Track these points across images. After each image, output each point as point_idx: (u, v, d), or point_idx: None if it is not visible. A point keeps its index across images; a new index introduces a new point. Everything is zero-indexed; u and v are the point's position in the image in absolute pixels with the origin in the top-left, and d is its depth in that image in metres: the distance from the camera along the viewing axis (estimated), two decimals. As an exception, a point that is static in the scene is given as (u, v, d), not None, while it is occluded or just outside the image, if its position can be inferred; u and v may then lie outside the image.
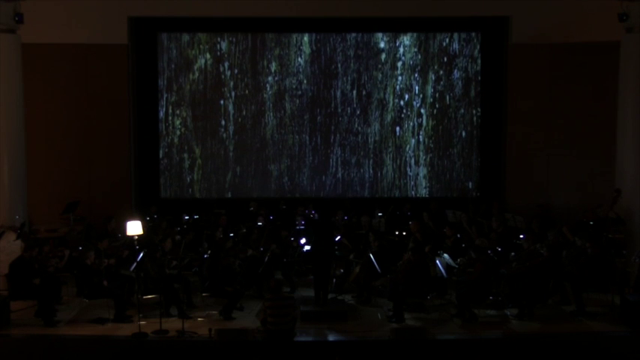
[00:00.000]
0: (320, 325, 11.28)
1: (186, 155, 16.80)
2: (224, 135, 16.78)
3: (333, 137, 16.79)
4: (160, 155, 16.75)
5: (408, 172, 16.79)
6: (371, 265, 12.19)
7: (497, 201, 15.59)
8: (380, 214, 15.07)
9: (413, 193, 16.72)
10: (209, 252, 12.60)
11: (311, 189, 16.80)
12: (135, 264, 11.66)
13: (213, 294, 11.96)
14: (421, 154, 16.76)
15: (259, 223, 14.50)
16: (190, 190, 16.78)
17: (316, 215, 14.97)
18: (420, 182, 16.76)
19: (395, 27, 16.57)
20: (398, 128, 16.74)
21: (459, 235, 13.42)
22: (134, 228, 12.28)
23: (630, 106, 13.69)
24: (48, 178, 15.71)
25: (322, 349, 10.52)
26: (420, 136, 16.73)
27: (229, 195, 16.77)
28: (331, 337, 10.89)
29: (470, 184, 16.78)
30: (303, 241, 13.39)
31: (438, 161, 16.77)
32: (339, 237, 13.31)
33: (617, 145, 14.00)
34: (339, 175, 16.83)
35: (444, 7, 15.75)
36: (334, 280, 12.82)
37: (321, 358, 10.32)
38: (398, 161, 16.75)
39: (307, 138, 16.80)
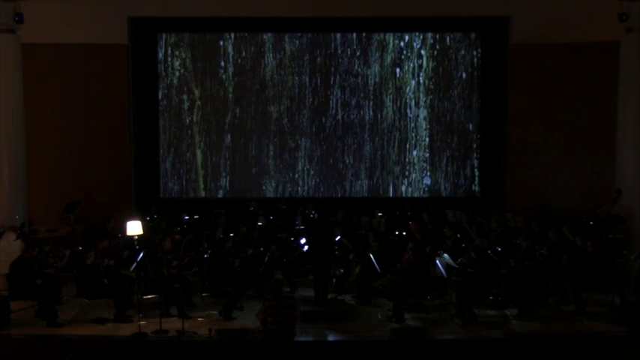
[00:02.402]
0: (320, 325, 11.27)
1: (185, 97, 16.77)
2: (224, 76, 16.74)
3: (332, 79, 16.75)
4: (159, 96, 16.71)
5: (408, 114, 16.76)
6: (371, 265, 12.19)
7: (497, 201, 15.60)
8: (380, 214, 15.06)
9: (413, 135, 16.68)
10: (209, 252, 12.60)
11: (310, 131, 16.80)
12: (135, 264, 11.66)
13: (213, 294, 11.95)
14: (421, 95, 16.72)
15: (259, 223, 14.50)
16: (190, 131, 16.75)
17: (316, 215, 14.96)
18: (420, 124, 16.73)
19: (395, 27, 16.57)
20: (398, 69, 16.71)
21: (459, 235, 13.42)
22: (134, 228, 12.28)
23: (630, 106, 13.70)
24: (48, 178, 15.71)
25: (322, 349, 10.51)
26: (420, 78, 16.69)
27: (229, 137, 16.75)
28: (331, 337, 10.88)
29: (470, 125, 16.72)
30: (303, 241, 13.40)
31: (438, 103, 16.74)
32: (339, 237, 13.31)
33: (617, 145, 14.00)
34: (339, 116, 16.81)
35: (444, 7, 15.74)
36: (334, 280, 12.81)
37: (321, 358, 10.31)
38: (398, 103, 16.72)
39: (307, 79, 16.76)
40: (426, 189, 16.80)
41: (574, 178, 15.70)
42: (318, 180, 16.84)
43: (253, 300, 12.33)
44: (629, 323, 11.04)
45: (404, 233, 13.85)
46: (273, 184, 16.82)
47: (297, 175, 16.85)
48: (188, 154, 16.82)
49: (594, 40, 15.33)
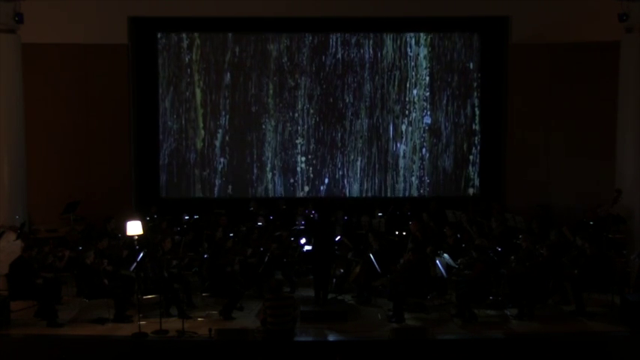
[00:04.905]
0: (320, 325, 11.28)
1: (184, 35, 16.70)
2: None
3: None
4: (159, 36, 16.62)
5: (409, 53, 16.68)
6: (371, 265, 12.19)
7: (497, 201, 15.60)
8: (380, 214, 15.07)
9: (413, 74, 16.60)
10: (209, 252, 12.60)
11: (310, 69, 16.70)
12: (135, 264, 11.66)
13: (213, 294, 11.96)
14: (422, 34, 16.65)
15: (259, 223, 14.50)
16: (189, 70, 16.66)
17: (316, 215, 14.96)
18: (420, 63, 16.63)
19: (395, 27, 16.56)
20: None
21: (459, 235, 13.43)
22: (134, 228, 12.28)
23: (630, 106, 13.70)
24: (48, 178, 15.70)
25: (322, 349, 10.52)
26: None
27: (228, 76, 16.62)
28: (331, 337, 10.89)
29: (471, 64, 16.64)
30: (303, 241, 13.40)
31: (438, 42, 16.66)
32: (339, 237, 13.31)
33: (617, 145, 14.00)
34: (339, 55, 16.71)
35: (444, 8, 15.75)
36: (334, 280, 12.82)
37: (321, 358, 10.31)
38: (398, 41, 16.64)
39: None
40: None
41: (574, 178, 15.69)
42: (317, 119, 16.76)
43: (253, 300, 12.35)
44: (629, 323, 11.05)
45: (404, 233, 13.86)
46: (273, 123, 16.75)
47: (296, 114, 16.77)
48: (187, 93, 16.74)
49: (594, 40, 15.33)
